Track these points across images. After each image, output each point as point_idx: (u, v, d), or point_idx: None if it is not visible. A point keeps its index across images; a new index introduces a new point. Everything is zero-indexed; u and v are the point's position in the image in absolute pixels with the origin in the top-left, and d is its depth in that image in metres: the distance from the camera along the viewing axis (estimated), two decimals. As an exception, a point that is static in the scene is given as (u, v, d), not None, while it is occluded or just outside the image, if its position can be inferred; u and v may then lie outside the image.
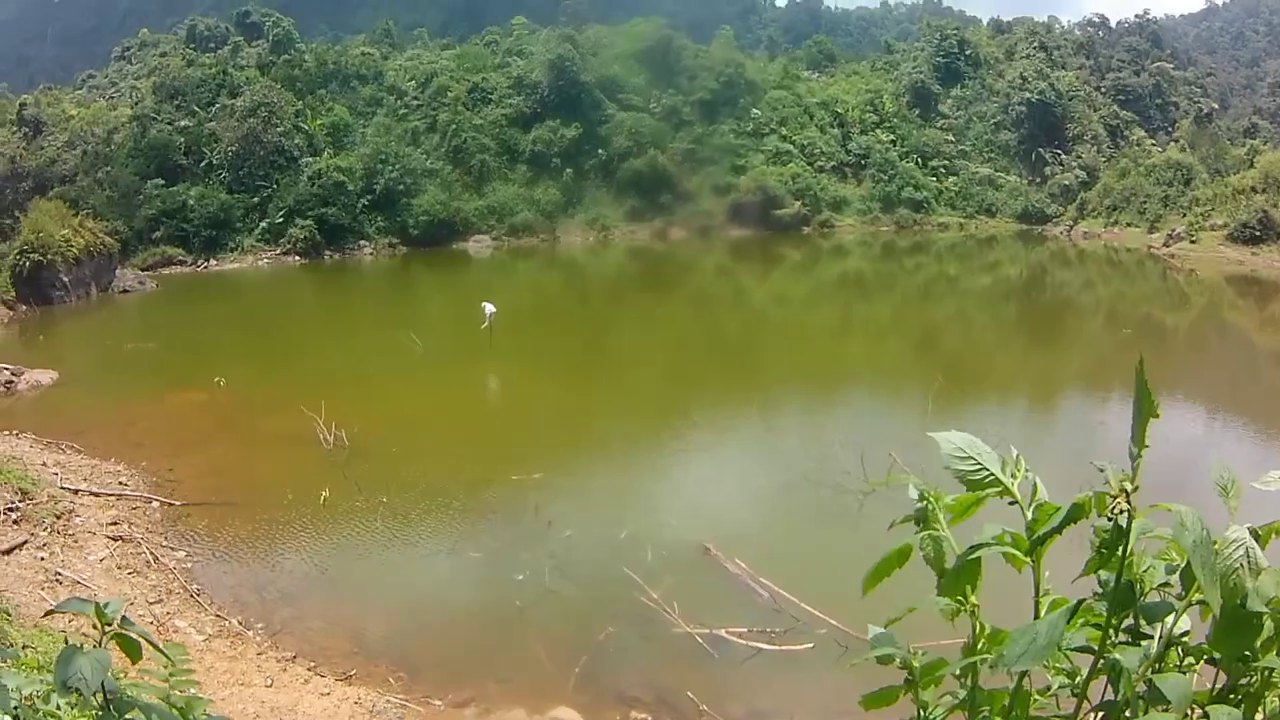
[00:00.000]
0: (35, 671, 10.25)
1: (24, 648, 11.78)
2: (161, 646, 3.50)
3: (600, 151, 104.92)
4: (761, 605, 16.72)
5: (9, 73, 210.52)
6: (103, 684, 2.94)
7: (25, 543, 18.34)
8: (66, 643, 3.35)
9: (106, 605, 3.11)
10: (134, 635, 3.13)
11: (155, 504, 22.56)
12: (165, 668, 3.79)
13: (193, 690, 3.83)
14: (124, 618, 3.16)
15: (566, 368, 40.61)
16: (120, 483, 24.02)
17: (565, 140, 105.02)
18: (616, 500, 23.07)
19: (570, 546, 19.40)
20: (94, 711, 3.17)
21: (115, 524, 20.69)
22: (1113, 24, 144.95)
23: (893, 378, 37.49)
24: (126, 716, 3.15)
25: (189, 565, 19.24)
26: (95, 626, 3.15)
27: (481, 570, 18.91)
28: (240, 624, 16.72)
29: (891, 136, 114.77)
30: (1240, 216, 77.35)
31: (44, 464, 24.65)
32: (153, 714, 3.11)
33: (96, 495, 22.62)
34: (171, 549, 19.87)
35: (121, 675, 3.07)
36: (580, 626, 16.19)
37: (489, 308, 40.43)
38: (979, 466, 2.77)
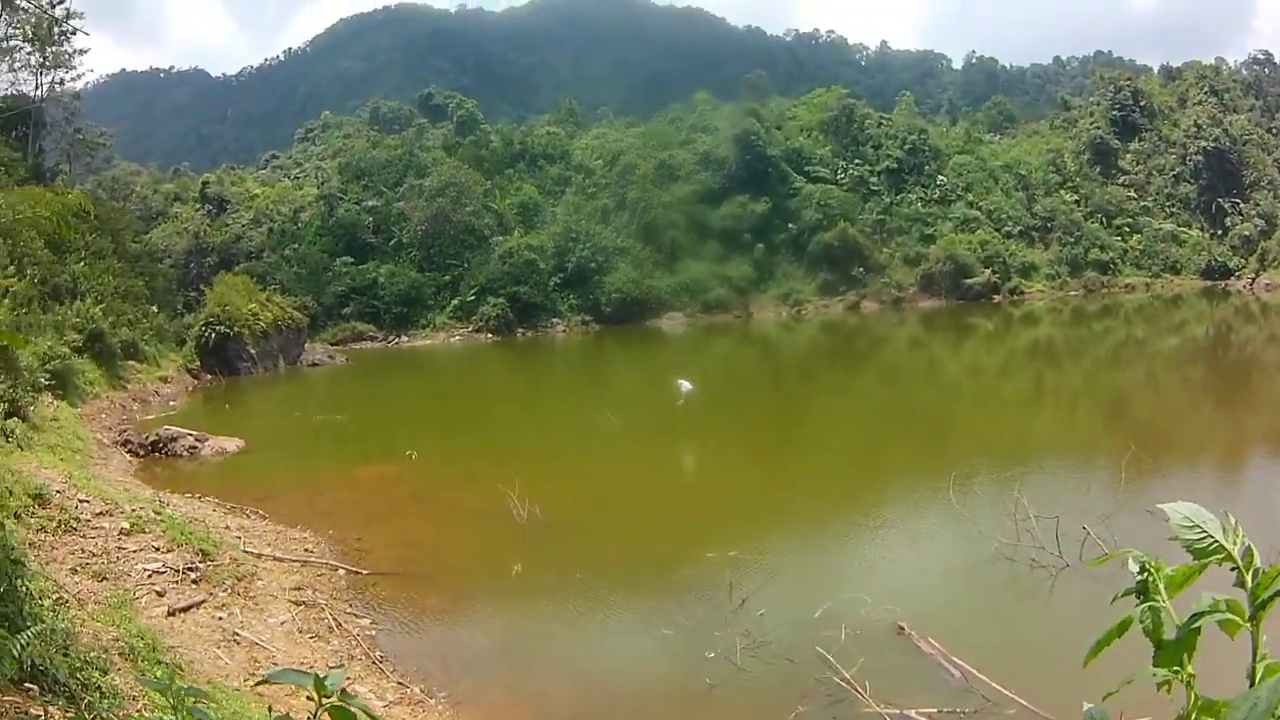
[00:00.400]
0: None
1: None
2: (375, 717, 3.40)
3: (790, 225, 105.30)
4: (953, 685, 16.23)
5: (191, 151, 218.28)
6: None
7: (203, 602, 18.42)
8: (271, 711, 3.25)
9: (327, 678, 3.01)
10: (355, 709, 3.02)
11: (341, 572, 22.48)
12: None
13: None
14: (343, 691, 3.05)
15: (760, 444, 40.28)
16: (305, 549, 24.10)
17: (755, 215, 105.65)
18: (810, 578, 22.68)
19: (763, 625, 18.99)
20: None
21: (298, 589, 20.65)
22: (1277, 60, 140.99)
23: (1084, 447, 36.61)
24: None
25: (373, 633, 19.01)
26: (311, 698, 3.04)
27: (672, 647, 18.53)
28: (422, 692, 16.45)
29: (1075, 196, 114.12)
30: None
31: (227, 527, 24.89)
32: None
33: (280, 560, 22.67)
34: (356, 616, 19.73)
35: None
36: (770, 705, 15.79)
37: (685, 385, 40.42)
38: (1205, 535, 2.65)
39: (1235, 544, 2.60)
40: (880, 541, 26.07)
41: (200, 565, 20.24)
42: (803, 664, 16.85)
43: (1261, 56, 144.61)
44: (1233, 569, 2.58)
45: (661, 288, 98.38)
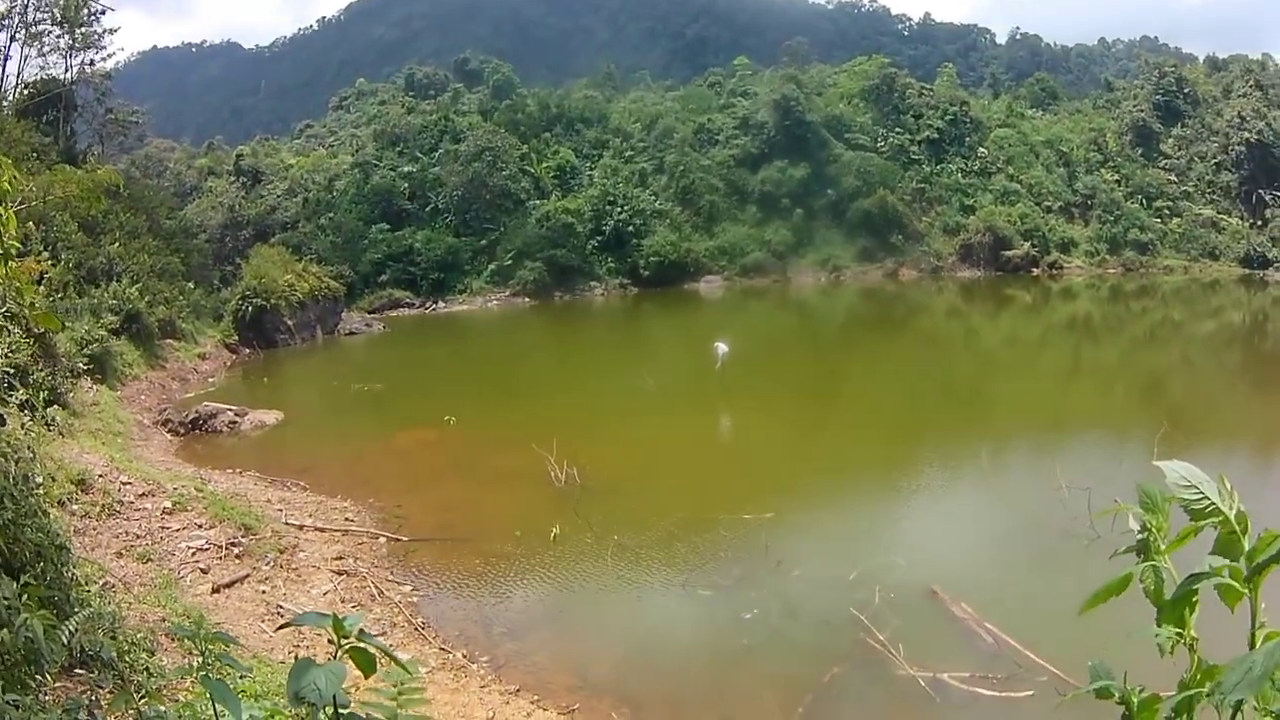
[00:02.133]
0: (253, 700, 10.58)
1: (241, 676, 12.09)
2: (398, 659, 3.60)
3: (829, 191, 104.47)
4: (984, 650, 16.40)
5: (224, 125, 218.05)
6: (334, 696, 3.03)
7: (247, 576, 18.66)
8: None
9: (345, 619, 3.21)
10: (371, 648, 3.22)
11: (382, 540, 22.78)
12: (395, 685, 3.89)
13: (422, 709, 3.90)
14: (361, 630, 3.24)
15: (798, 407, 40.34)
16: (346, 519, 24.38)
17: (794, 180, 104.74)
18: (846, 541, 22.82)
19: (799, 586, 19.24)
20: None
21: (340, 559, 20.98)
22: None
23: (1119, 422, 36.49)
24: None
25: (414, 599, 19.37)
26: (332, 641, 3.25)
27: (710, 608, 18.71)
28: (464, 657, 16.76)
29: (1116, 176, 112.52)
30: None
31: (268, 500, 25.16)
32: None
33: (321, 531, 22.99)
34: (398, 584, 20.05)
35: (352, 690, 3.13)
36: (806, 666, 15.99)
37: (722, 347, 40.49)
38: (1201, 495, 2.81)
39: (1231, 508, 2.79)
40: (914, 506, 26.26)
41: (243, 540, 20.54)
42: (838, 626, 17.07)
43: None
44: (1230, 533, 2.77)
45: (699, 251, 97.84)
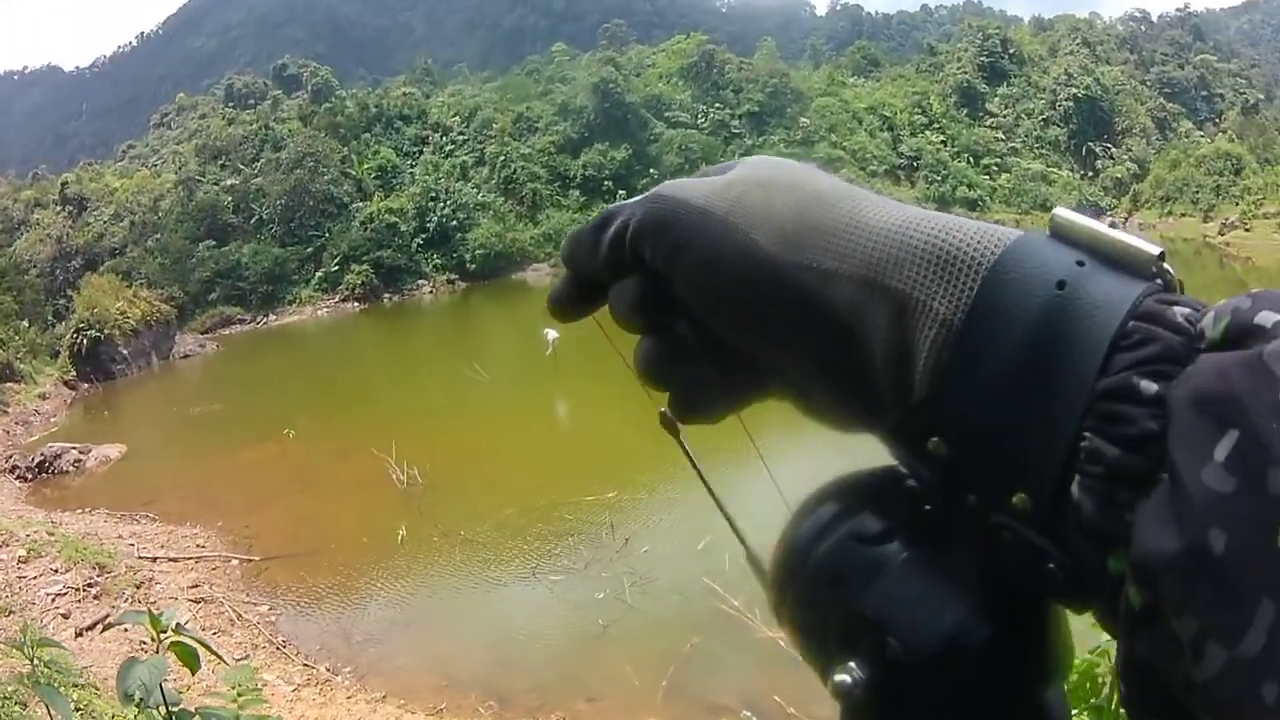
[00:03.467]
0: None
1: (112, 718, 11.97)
2: (215, 651, 3.59)
3: (652, 171, 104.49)
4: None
5: (49, 152, 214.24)
6: (164, 695, 3.01)
7: (106, 616, 18.58)
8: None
9: (161, 613, 3.20)
10: (188, 641, 3.21)
11: (235, 562, 22.68)
12: (234, 688, 3.87)
13: (261, 709, 3.88)
14: (178, 624, 3.23)
15: (634, 385, 40.43)
16: (198, 545, 24.15)
17: (616, 162, 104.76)
18: (690, 513, 22.90)
19: (648, 562, 19.45)
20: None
21: (195, 587, 20.84)
22: (1154, 18, 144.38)
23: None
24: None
25: (273, 619, 19.40)
26: (153, 638, 3.23)
27: (563, 593, 18.92)
28: (328, 670, 16.82)
29: (941, 137, 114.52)
30: (1292, 206, 77.06)
31: (119, 536, 24.88)
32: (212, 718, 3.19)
33: (174, 560, 22.80)
34: (255, 604, 20.00)
35: (189, 693, 3.11)
36: (664, 639, 16.20)
37: (551, 334, 40.53)
38: None
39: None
40: (758, 470, 26.54)
41: (99, 579, 20.44)
42: (691, 597, 17.22)
43: (1138, 14, 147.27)
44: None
45: (525, 240, 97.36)
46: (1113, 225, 0.65)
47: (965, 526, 0.67)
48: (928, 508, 0.72)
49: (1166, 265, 0.69)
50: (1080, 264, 0.67)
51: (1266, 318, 0.56)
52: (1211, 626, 0.50)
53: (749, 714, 12.28)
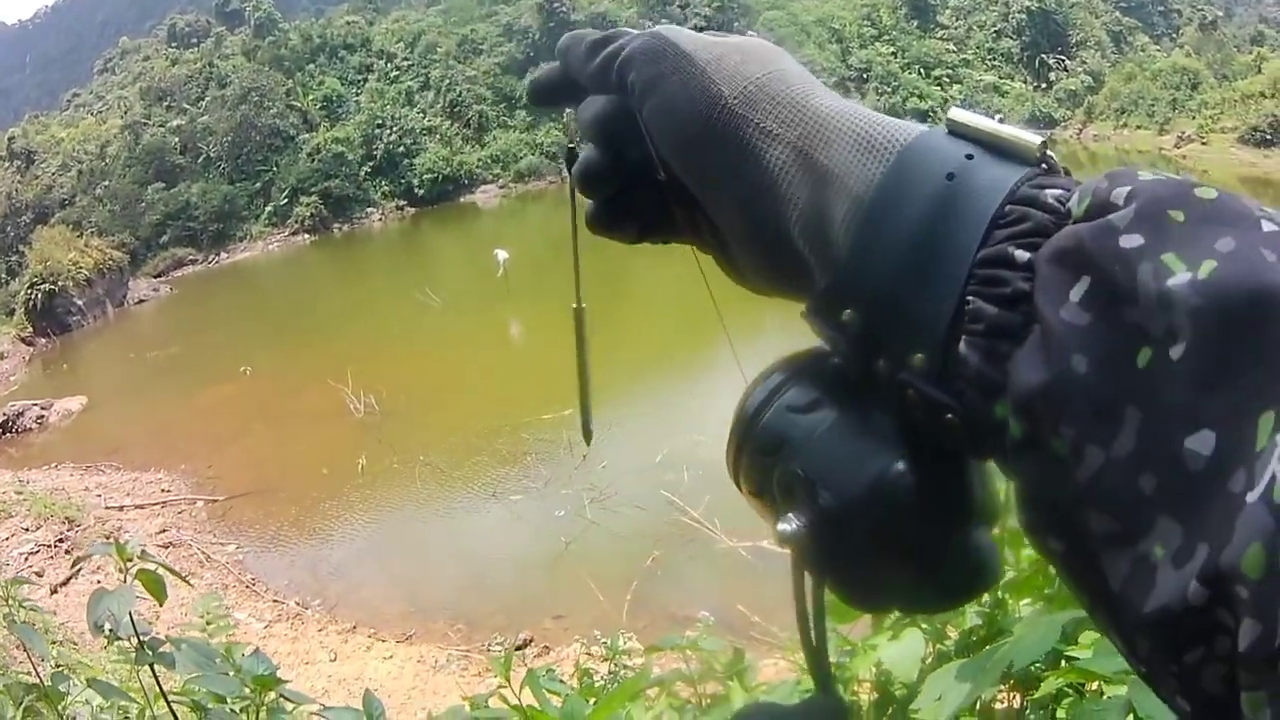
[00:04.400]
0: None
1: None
2: (179, 574, 3.71)
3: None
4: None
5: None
6: (134, 625, 3.13)
7: (79, 569, 18.67)
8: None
9: (126, 542, 3.31)
10: (154, 567, 3.32)
11: (200, 504, 22.77)
12: (202, 616, 4.00)
13: (233, 635, 4.01)
14: (144, 551, 3.33)
15: (588, 300, 40.52)
16: (163, 490, 24.23)
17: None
18: (646, 426, 23.04)
19: (607, 477, 19.59)
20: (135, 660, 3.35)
21: (163, 531, 20.95)
22: None
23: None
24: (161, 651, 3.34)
25: (241, 557, 19.57)
26: (119, 568, 3.33)
27: (524, 511, 19.09)
28: (298, 605, 17.02)
29: (891, 49, 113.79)
30: (1250, 120, 76.98)
31: (86, 488, 24.92)
32: (182, 645, 3.31)
33: (141, 507, 22.92)
34: (222, 545, 20.17)
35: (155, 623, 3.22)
36: (627, 554, 16.36)
37: (501, 254, 40.42)
38: None
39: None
40: (710, 383, 26.68)
41: (69, 534, 20.51)
42: (651, 510, 17.41)
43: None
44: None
45: (472, 163, 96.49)
46: (1002, 122, 0.78)
47: (879, 390, 0.76)
48: (849, 377, 0.80)
49: (1050, 153, 0.79)
50: (969, 156, 0.77)
51: (1119, 194, 0.64)
52: (1087, 432, 0.57)
53: (707, 614, 12.59)
